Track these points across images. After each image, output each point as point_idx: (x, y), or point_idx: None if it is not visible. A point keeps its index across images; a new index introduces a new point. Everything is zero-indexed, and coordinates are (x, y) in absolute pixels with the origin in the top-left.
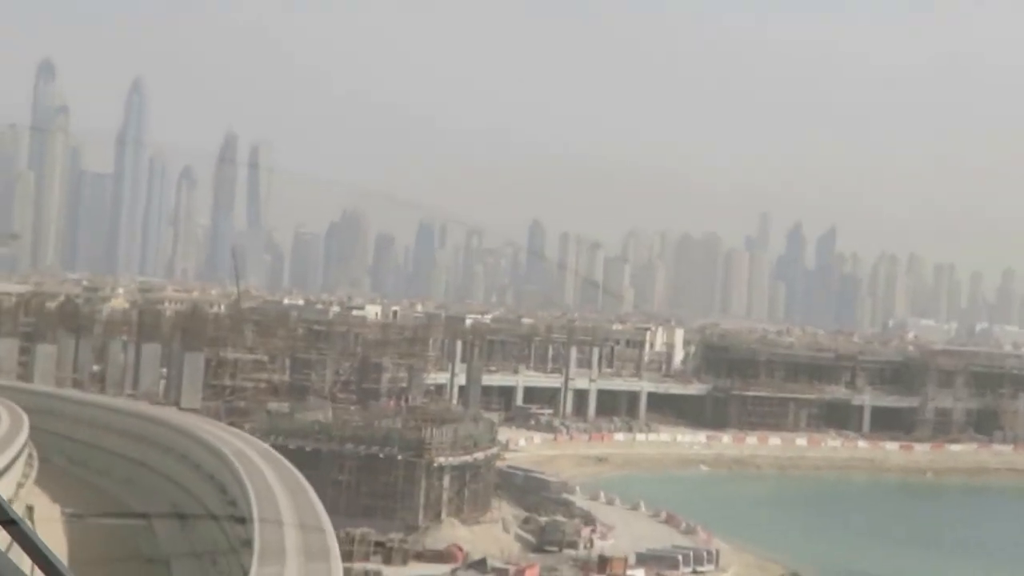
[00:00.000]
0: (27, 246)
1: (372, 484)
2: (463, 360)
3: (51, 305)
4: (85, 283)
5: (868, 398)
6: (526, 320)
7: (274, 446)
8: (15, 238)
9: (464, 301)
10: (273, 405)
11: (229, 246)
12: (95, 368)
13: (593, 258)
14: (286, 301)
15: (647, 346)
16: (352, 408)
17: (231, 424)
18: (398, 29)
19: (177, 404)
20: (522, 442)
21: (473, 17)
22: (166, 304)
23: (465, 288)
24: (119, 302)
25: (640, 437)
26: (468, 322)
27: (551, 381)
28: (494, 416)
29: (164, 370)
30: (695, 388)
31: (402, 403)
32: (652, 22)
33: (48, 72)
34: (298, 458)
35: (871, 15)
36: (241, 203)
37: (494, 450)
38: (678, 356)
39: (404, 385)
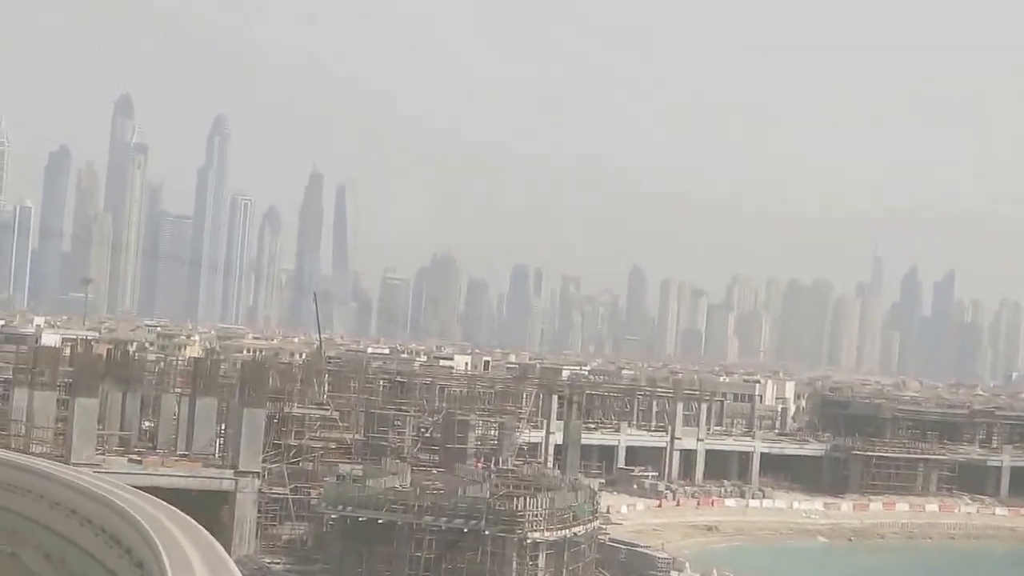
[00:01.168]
0: (105, 291)
1: (455, 563)
2: (559, 417)
3: (99, 353)
4: (159, 329)
5: (1007, 459)
6: (626, 372)
7: (341, 517)
8: (89, 282)
9: (560, 351)
10: (345, 467)
11: (314, 292)
12: (147, 425)
13: (696, 306)
14: (370, 350)
15: (756, 401)
16: (434, 471)
17: (294, 490)
18: (485, 69)
19: (234, 466)
20: (624, 509)
21: (558, 49)
22: (244, 353)
23: (561, 337)
24: (193, 350)
25: (753, 503)
26: (565, 374)
27: (655, 440)
28: (595, 481)
29: (222, 426)
30: (811, 448)
31: (491, 466)
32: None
33: (126, 108)
34: (370, 531)
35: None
36: (327, 247)
37: (596, 523)
38: (788, 412)
39: (494, 445)
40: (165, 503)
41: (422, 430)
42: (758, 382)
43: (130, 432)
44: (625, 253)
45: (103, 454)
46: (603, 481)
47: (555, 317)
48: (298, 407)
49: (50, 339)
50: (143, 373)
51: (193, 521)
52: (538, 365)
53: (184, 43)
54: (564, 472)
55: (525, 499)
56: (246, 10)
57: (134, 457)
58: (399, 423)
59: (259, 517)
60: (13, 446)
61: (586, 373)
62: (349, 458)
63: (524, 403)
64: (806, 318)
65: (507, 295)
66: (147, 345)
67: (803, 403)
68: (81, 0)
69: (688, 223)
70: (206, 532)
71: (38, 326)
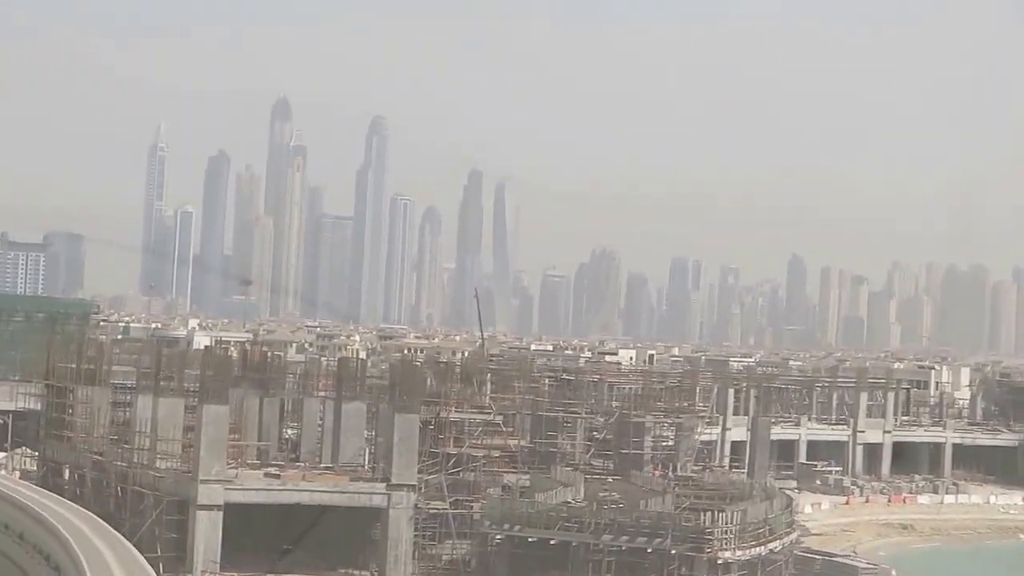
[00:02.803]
0: (266, 293)
1: None
2: (735, 412)
3: (231, 354)
4: (319, 330)
5: None
6: (793, 363)
7: (508, 538)
8: (247, 283)
9: (720, 343)
10: (510, 477)
11: (474, 288)
12: (288, 433)
13: (856, 293)
14: (534, 347)
15: (941, 388)
16: (609, 480)
17: (454, 504)
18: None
19: (386, 478)
20: (808, 508)
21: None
22: (404, 352)
23: (720, 330)
24: (354, 350)
25: (948, 499)
26: (734, 366)
27: (837, 434)
28: (788, 486)
29: (372, 434)
30: (1004, 438)
31: (669, 473)
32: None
33: (284, 111)
34: (541, 553)
35: None
36: (487, 244)
37: (793, 535)
38: (962, 399)
39: (669, 447)
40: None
41: (593, 433)
42: (933, 369)
43: (268, 442)
44: (783, 242)
45: (237, 467)
46: (796, 485)
47: (714, 309)
48: (456, 411)
49: (203, 342)
50: (284, 376)
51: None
52: (703, 357)
53: (339, 44)
54: (751, 476)
55: (713, 513)
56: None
57: (272, 471)
58: (568, 426)
59: (415, 536)
60: (136, 460)
61: (754, 365)
62: (514, 467)
63: (698, 399)
64: (964, 303)
65: (666, 288)
66: (307, 346)
67: (975, 390)
68: (235, 5)
69: (845, 209)
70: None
71: (192, 329)
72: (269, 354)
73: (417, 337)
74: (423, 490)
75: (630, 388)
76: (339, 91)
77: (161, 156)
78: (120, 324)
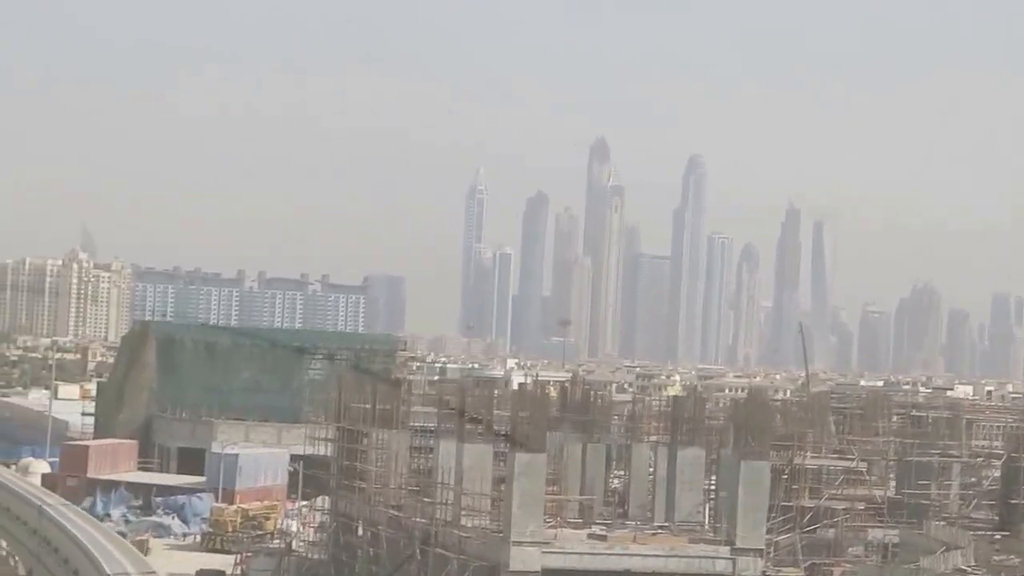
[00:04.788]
0: (585, 333)
1: None
2: None
3: (547, 393)
4: (638, 370)
5: None
6: None
7: None
8: (566, 324)
9: None
10: (876, 534)
11: (794, 326)
12: (615, 484)
13: None
14: (862, 383)
15: None
16: (997, 538)
17: (810, 570)
18: None
19: (730, 540)
20: None
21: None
22: (726, 391)
23: None
24: (675, 391)
25: None
26: None
27: None
28: None
29: (711, 485)
30: None
31: None
32: None
33: (602, 151)
34: None
35: None
36: (805, 281)
37: None
38: None
39: None
40: None
41: (971, 480)
42: None
43: (592, 496)
44: None
45: (556, 526)
46: None
47: None
48: (813, 456)
49: (519, 382)
50: (609, 418)
51: None
52: None
53: (658, 82)
54: None
55: None
56: None
57: (597, 531)
58: (939, 473)
59: None
60: (439, 516)
61: None
62: (880, 520)
63: None
64: None
65: (988, 325)
66: (626, 387)
67: None
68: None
69: None
70: None
71: (509, 369)
72: (592, 393)
73: (736, 376)
74: (773, 553)
75: (1008, 426)
76: (656, 131)
77: (480, 199)
78: (436, 365)
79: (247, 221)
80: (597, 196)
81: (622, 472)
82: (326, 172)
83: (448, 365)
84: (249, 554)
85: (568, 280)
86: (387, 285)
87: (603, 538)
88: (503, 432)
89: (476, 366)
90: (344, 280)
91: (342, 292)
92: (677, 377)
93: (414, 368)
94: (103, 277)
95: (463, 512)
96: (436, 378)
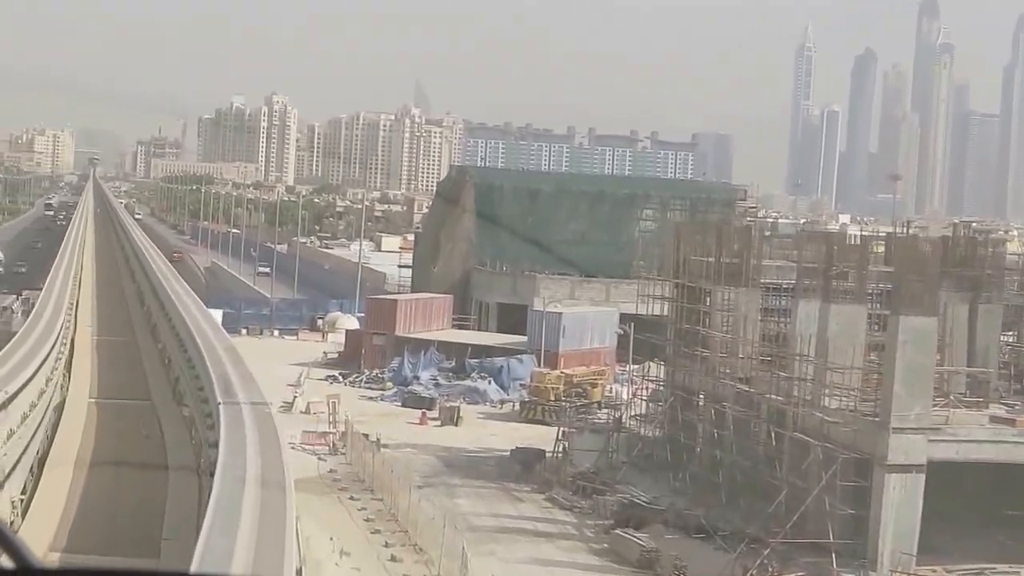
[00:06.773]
0: (911, 190)
1: None
2: None
3: (925, 249)
4: (973, 225)
5: None
6: None
7: None
8: (896, 179)
9: None
10: None
11: None
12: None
13: None
14: None
15: None
16: None
17: None
18: None
19: None
20: None
21: None
22: None
23: None
24: (1014, 246)
25: None
26: None
27: None
28: None
29: None
30: None
31: None
32: None
33: (932, 9)
34: None
35: None
36: None
37: None
38: None
39: None
40: None
41: None
42: None
43: (988, 369)
44: None
45: (945, 407)
46: None
47: None
48: None
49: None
50: (1002, 274)
51: None
52: None
53: None
54: None
55: None
56: None
57: (1001, 412)
58: None
59: None
60: (797, 393)
61: None
62: None
63: None
64: None
65: None
66: (965, 239)
67: None
68: None
69: None
70: None
71: (843, 224)
72: (982, 246)
73: None
74: None
75: None
76: None
77: (808, 56)
78: (767, 220)
79: (576, 78)
80: (926, 53)
81: (1017, 340)
82: (655, 31)
83: (780, 221)
84: (572, 430)
85: (895, 137)
86: (715, 143)
87: (1010, 422)
88: (876, 292)
89: (806, 221)
90: (673, 137)
91: (671, 149)
92: (1015, 233)
93: (755, 220)
94: (435, 132)
95: (826, 390)
96: (768, 234)
